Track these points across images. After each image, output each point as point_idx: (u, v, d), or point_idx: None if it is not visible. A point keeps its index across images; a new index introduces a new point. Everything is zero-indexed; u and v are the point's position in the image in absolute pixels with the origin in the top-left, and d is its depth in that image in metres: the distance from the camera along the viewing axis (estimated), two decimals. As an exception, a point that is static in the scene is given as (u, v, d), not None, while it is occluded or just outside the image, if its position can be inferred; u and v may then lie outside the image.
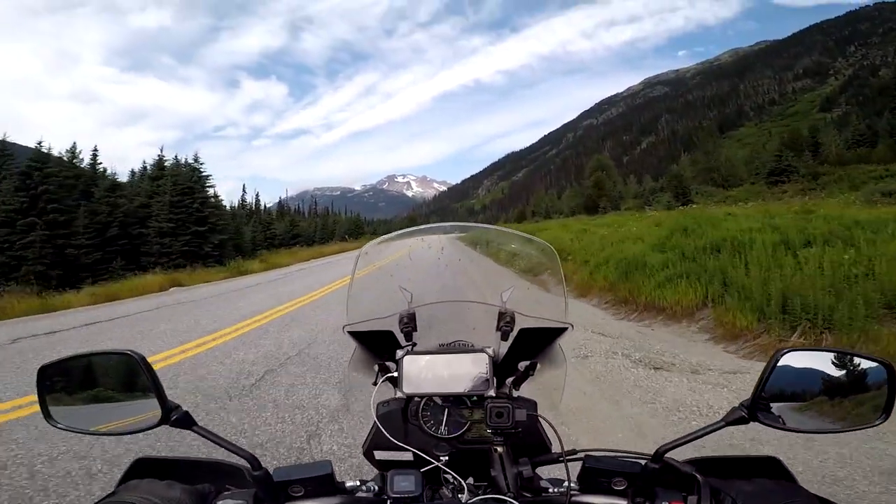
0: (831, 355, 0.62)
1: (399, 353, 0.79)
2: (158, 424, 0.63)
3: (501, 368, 0.82)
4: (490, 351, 0.77)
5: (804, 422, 0.62)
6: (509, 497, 0.63)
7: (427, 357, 0.77)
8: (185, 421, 0.63)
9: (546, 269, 0.97)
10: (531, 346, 0.83)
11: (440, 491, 0.72)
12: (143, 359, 0.62)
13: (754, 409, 0.60)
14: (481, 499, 0.65)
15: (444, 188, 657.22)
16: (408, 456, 0.75)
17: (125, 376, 0.66)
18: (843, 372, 0.62)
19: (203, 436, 0.63)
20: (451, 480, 0.72)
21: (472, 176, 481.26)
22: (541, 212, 78.81)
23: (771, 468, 0.62)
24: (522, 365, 0.83)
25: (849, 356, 0.62)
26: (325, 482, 0.66)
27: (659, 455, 0.62)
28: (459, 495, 0.68)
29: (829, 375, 0.62)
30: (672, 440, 0.62)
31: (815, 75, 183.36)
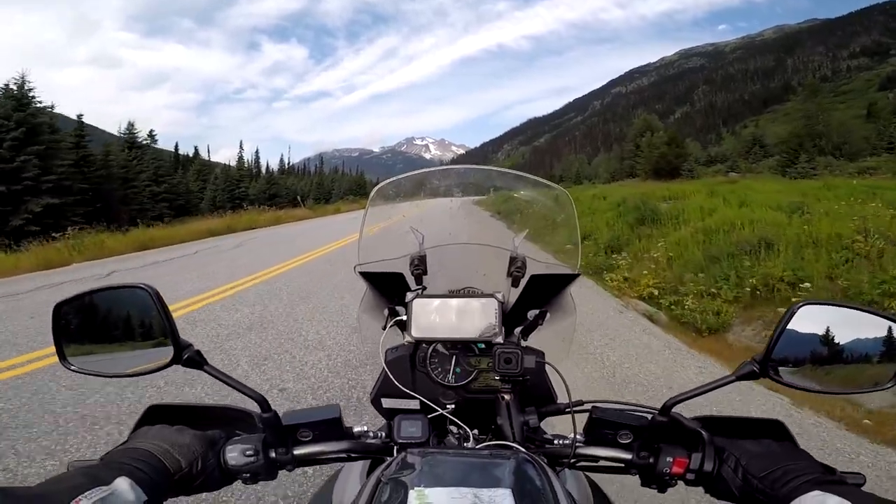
0: (850, 311, 0.59)
1: (409, 295, 0.77)
2: (170, 364, 0.60)
3: (511, 317, 0.80)
4: (500, 296, 0.75)
5: (816, 380, 0.59)
6: (516, 445, 0.64)
7: (436, 301, 0.75)
8: (197, 361, 0.61)
9: (560, 216, 0.95)
10: (541, 294, 0.81)
11: (446, 439, 0.72)
12: (157, 294, 0.59)
13: (766, 365, 0.58)
14: (487, 445, 0.66)
15: (462, 152, 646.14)
16: (415, 404, 0.74)
17: (139, 312, 0.62)
18: (861, 330, 0.59)
19: (214, 375, 0.60)
20: (457, 429, 0.72)
21: (491, 140, 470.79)
22: (570, 177, 73.58)
23: (774, 430, 0.61)
24: (532, 314, 0.80)
25: (868, 313, 0.59)
26: (334, 426, 0.66)
27: (666, 408, 0.61)
28: (465, 444, 0.69)
29: (845, 332, 0.59)
30: (680, 393, 0.61)
31: (874, 55, 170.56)
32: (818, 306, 0.58)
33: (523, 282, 0.79)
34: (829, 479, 0.50)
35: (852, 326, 0.58)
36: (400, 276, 0.81)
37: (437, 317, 0.74)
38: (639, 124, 62.59)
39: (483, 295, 0.76)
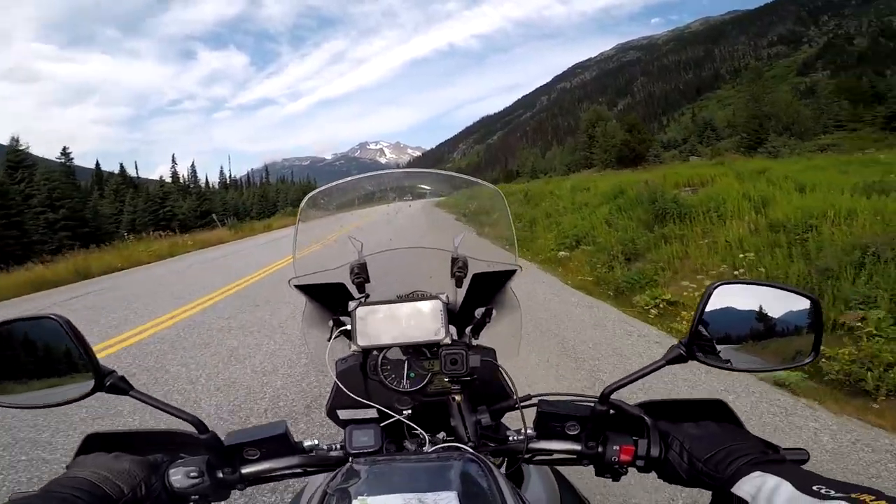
0: (764, 288, 0.61)
1: (351, 304, 0.76)
2: (92, 392, 0.59)
3: (459, 317, 0.81)
4: (444, 297, 0.75)
5: (740, 360, 0.61)
6: (469, 446, 0.64)
7: (380, 307, 0.74)
8: (121, 387, 0.59)
9: (495, 213, 0.96)
10: (485, 292, 0.82)
11: (404, 444, 0.72)
12: (69, 322, 0.57)
13: (691, 348, 0.60)
14: (439, 447, 0.66)
15: (418, 154, 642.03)
16: (372, 413, 0.74)
17: (52, 343, 0.60)
18: (776, 306, 0.60)
19: (142, 400, 0.60)
20: (416, 433, 0.72)
21: (446, 140, 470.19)
22: (526, 171, 72.71)
23: (717, 411, 0.62)
24: (479, 312, 0.81)
25: (780, 289, 0.60)
26: (281, 442, 0.66)
27: (605, 396, 0.62)
28: (423, 448, 0.68)
29: (762, 310, 0.61)
30: (615, 381, 0.62)
31: (790, 42, 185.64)
32: (734, 286, 0.60)
33: (466, 281, 0.80)
34: (769, 458, 0.51)
35: (768, 303, 0.60)
36: (341, 287, 0.80)
37: (382, 323, 0.73)
38: (589, 115, 62.65)
39: (428, 297, 0.75)
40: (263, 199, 51.66)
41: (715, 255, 6.00)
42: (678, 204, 7.89)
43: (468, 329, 0.83)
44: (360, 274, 0.79)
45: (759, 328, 0.61)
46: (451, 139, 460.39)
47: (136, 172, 46.10)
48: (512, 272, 0.82)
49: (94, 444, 0.61)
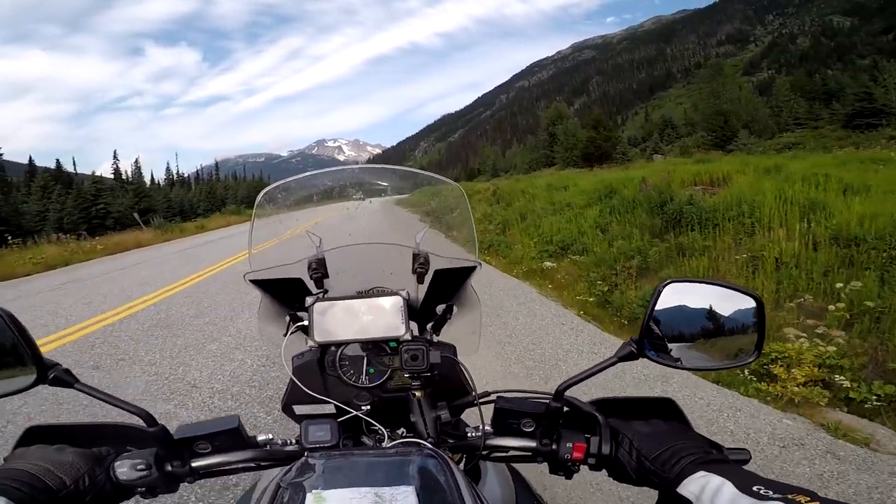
0: (712, 287, 0.62)
1: (308, 300, 0.75)
2: (34, 385, 0.58)
3: (421, 313, 0.82)
4: (405, 294, 0.74)
5: (689, 358, 0.62)
6: (428, 442, 0.64)
7: (339, 303, 0.74)
8: (65, 380, 0.58)
9: (457, 210, 0.96)
10: (446, 289, 0.82)
11: (362, 440, 0.72)
12: (10, 315, 0.56)
13: (642, 345, 0.60)
14: (398, 443, 0.66)
15: (378, 151, 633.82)
16: (330, 409, 0.73)
17: None
18: (723, 305, 0.61)
19: (87, 393, 0.58)
20: (374, 429, 0.71)
21: (407, 138, 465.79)
22: (487, 169, 71.35)
23: (666, 409, 0.63)
24: (440, 309, 0.82)
25: (728, 288, 0.61)
26: (233, 436, 0.65)
27: (559, 393, 0.62)
28: (382, 444, 0.68)
29: (710, 309, 0.61)
30: (568, 378, 0.62)
31: (737, 42, 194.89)
32: (682, 283, 0.61)
33: (428, 278, 0.79)
34: (713, 458, 0.52)
35: (713, 301, 0.61)
36: (299, 282, 0.79)
37: (341, 319, 0.73)
38: (550, 113, 61.95)
39: (388, 293, 0.75)
40: (211, 195, 47.52)
41: (766, 277, 4.41)
42: (696, 207, 6.31)
43: (429, 325, 0.82)
44: (319, 269, 0.78)
45: (708, 326, 0.61)
46: (413, 137, 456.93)
47: (74, 168, 41.54)
48: (472, 269, 0.82)
49: (34, 436, 0.59)
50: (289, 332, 0.77)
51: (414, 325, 0.75)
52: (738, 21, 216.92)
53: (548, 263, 7.63)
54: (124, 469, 0.58)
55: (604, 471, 0.62)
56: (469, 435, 0.70)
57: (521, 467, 0.80)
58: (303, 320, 0.76)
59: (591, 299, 5.58)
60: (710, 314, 0.61)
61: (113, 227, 20.59)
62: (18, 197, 29.67)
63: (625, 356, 0.61)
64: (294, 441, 0.68)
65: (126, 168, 44.66)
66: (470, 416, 0.74)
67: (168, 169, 59.95)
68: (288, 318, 0.79)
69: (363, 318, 0.73)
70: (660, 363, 0.60)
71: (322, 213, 0.97)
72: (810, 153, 17.00)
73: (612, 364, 0.61)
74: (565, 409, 0.63)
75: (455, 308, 0.83)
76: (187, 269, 8.58)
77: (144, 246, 15.06)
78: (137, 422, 0.62)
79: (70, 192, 30.46)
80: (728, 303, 0.61)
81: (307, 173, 0.92)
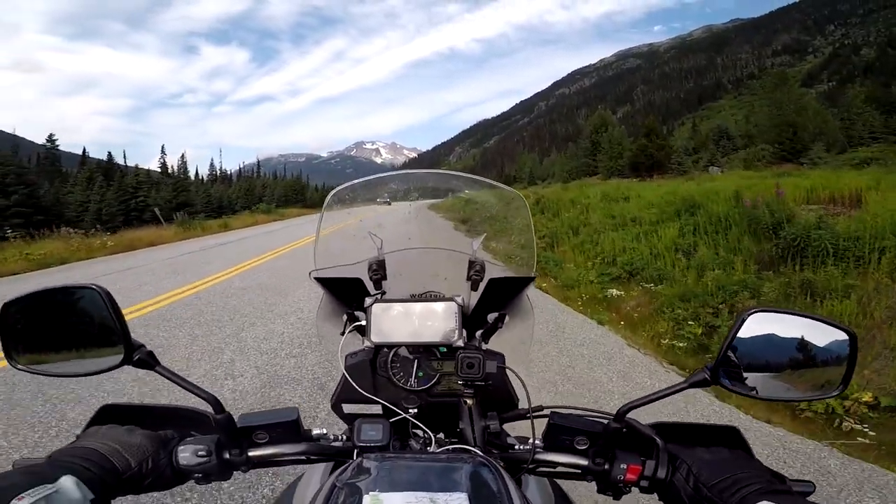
0: (799, 318, 0.60)
1: (367, 300, 0.76)
2: (120, 365, 0.60)
3: (471, 320, 0.81)
4: (459, 300, 0.75)
5: (766, 388, 0.60)
6: (476, 449, 0.64)
7: (396, 305, 0.75)
8: (148, 362, 0.61)
9: (517, 220, 0.96)
10: (500, 297, 0.82)
11: (410, 443, 0.72)
12: (108, 294, 0.58)
13: (717, 373, 0.58)
14: (447, 449, 0.66)
15: (414, 155, 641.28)
16: (377, 409, 0.74)
17: (90, 313, 0.61)
18: (809, 336, 0.59)
19: (165, 376, 0.61)
20: (421, 433, 0.72)
21: (443, 143, 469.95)
22: (523, 177, 69.60)
23: (729, 438, 0.62)
24: (491, 317, 0.81)
25: (816, 320, 0.60)
26: (291, 429, 0.66)
27: (620, 415, 0.62)
28: (428, 448, 0.69)
29: (793, 339, 0.60)
30: (634, 400, 0.61)
31: (794, 52, 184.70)
32: (768, 314, 0.59)
33: (482, 285, 0.79)
34: (776, 488, 0.50)
35: (801, 333, 0.59)
36: (358, 282, 0.80)
37: (397, 321, 0.74)
38: (594, 120, 59.54)
39: (443, 299, 0.76)
40: (249, 193, 48.28)
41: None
42: (828, 231, 4.78)
43: (479, 333, 0.82)
44: (379, 271, 0.79)
45: (790, 357, 0.60)
46: (448, 142, 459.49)
47: (124, 161, 43.23)
48: (530, 280, 0.82)
49: (108, 415, 0.61)
50: (346, 331, 0.78)
51: (464, 332, 0.75)
52: (796, 31, 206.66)
53: (613, 291, 6.27)
54: (186, 454, 0.59)
55: (654, 495, 0.61)
56: (515, 446, 0.69)
57: (564, 483, 0.78)
58: (359, 320, 0.77)
59: (681, 344, 4.26)
60: (793, 345, 0.59)
61: (150, 220, 20.54)
62: (66, 188, 30.68)
63: (696, 382, 0.59)
64: (345, 438, 0.69)
65: (173, 163, 46.17)
66: (514, 427, 0.73)
67: (212, 165, 61.79)
68: (345, 317, 0.80)
69: (418, 321, 0.73)
70: (734, 392, 0.59)
71: (385, 216, 0.97)
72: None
73: (682, 390, 0.59)
74: (623, 430, 0.62)
75: (507, 317, 0.81)
76: (169, 284, 7.58)
77: (157, 245, 14.05)
78: (204, 407, 0.63)
79: (112, 184, 31.20)
80: (814, 335, 0.58)
81: (373, 176, 0.93)
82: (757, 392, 0.59)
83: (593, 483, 0.66)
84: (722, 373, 0.58)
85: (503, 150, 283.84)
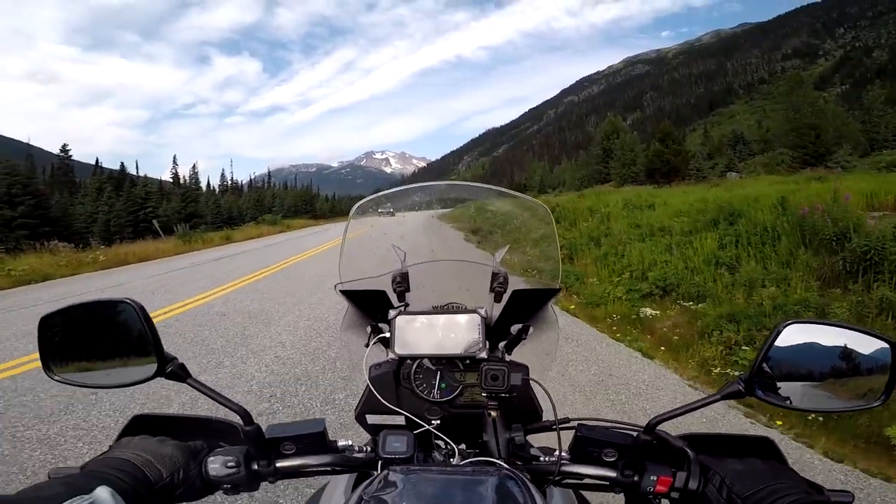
0: (835, 329, 0.59)
1: (391, 313, 0.77)
2: (153, 377, 0.61)
3: (495, 331, 0.81)
4: (483, 312, 0.75)
5: (803, 399, 0.59)
6: (501, 462, 0.64)
7: (419, 317, 0.76)
8: (180, 374, 0.62)
9: (541, 230, 0.97)
10: (524, 309, 0.82)
11: (432, 454, 0.72)
12: (142, 308, 0.60)
13: (752, 384, 0.58)
14: (472, 461, 0.66)
15: (423, 164, 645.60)
16: (400, 420, 0.74)
17: (124, 326, 0.63)
18: (846, 348, 0.58)
19: (196, 388, 0.62)
20: (443, 445, 0.72)
21: (452, 152, 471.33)
22: (533, 185, 68.98)
23: (763, 448, 0.60)
24: (515, 328, 0.81)
25: (853, 331, 0.59)
26: (318, 440, 0.67)
27: (651, 427, 0.61)
28: (451, 459, 0.69)
29: (831, 350, 0.59)
30: (664, 412, 0.61)
31: (805, 56, 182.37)
32: (804, 325, 0.58)
33: (506, 297, 0.79)
34: (815, 499, 0.50)
35: (838, 344, 0.58)
36: (382, 294, 0.81)
37: (420, 333, 0.75)
38: (606, 127, 58.67)
39: (466, 311, 0.76)
40: (259, 203, 48.38)
41: None
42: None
43: (502, 344, 0.81)
44: (402, 283, 0.80)
45: (828, 368, 0.59)
46: (457, 150, 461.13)
47: (137, 171, 43.68)
48: (554, 291, 0.82)
49: (139, 425, 0.62)
50: (371, 343, 0.79)
51: (486, 341, 0.76)
52: (806, 35, 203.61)
53: (647, 310, 5.63)
54: (216, 465, 0.60)
55: None
56: (540, 458, 0.69)
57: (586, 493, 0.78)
58: (382, 331, 0.78)
59: (735, 372, 3.65)
60: (832, 356, 0.58)
61: (159, 231, 20.23)
62: (77, 199, 30.78)
63: (730, 394, 0.58)
64: (369, 449, 0.69)
65: (184, 174, 46.52)
66: (536, 439, 0.73)
67: (223, 175, 62.20)
68: (369, 329, 0.81)
69: (441, 333, 0.74)
70: (769, 403, 0.58)
71: (408, 228, 0.98)
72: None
73: (715, 401, 0.59)
74: (653, 442, 0.62)
75: (531, 328, 0.81)
76: (177, 295, 7.22)
77: (152, 259, 13.39)
78: (233, 418, 0.64)
79: (121, 195, 31.25)
80: (852, 345, 0.58)
81: (395, 189, 0.94)
82: (792, 402, 0.58)
83: (619, 495, 0.66)
84: (756, 384, 0.57)
85: (512, 159, 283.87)
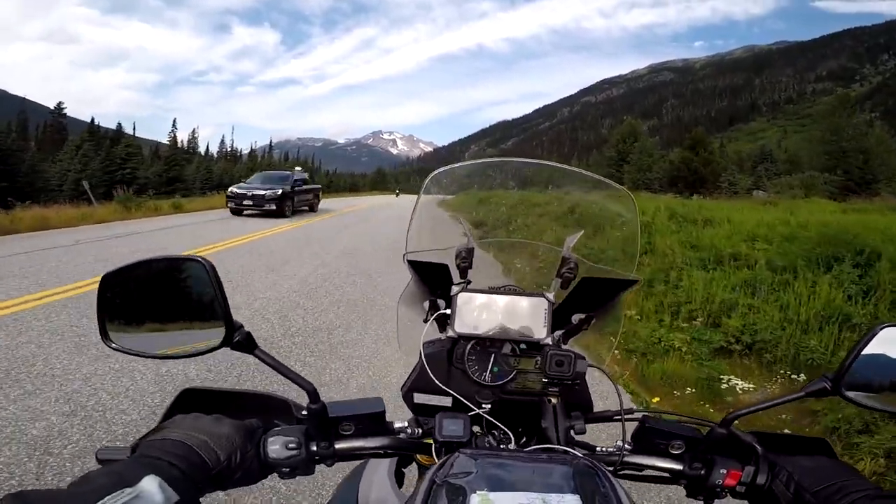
0: None
1: (454, 289, 0.74)
2: (220, 346, 0.56)
3: (554, 318, 0.78)
4: (550, 296, 0.73)
5: (891, 402, 0.58)
6: (572, 450, 0.61)
7: (483, 296, 0.73)
8: (246, 345, 0.57)
9: (620, 219, 0.93)
10: (591, 298, 0.78)
11: (486, 440, 0.69)
12: (213, 268, 0.54)
13: (838, 384, 0.56)
14: (539, 448, 0.62)
15: (429, 149, 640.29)
16: (447, 402, 0.72)
17: (191, 287, 0.57)
18: None
19: (264, 361, 0.57)
20: (496, 430, 0.69)
21: (459, 139, 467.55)
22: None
23: (819, 448, 0.61)
24: (576, 318, 0.76)
25: None
26: (377, 421, 0.65)
27: (728, 421, 0.60)
28: (508, 446, 0.68)
29: None
30: (744, 407, 0.60)
31: (839, 79, 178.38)
32: None
33: (573, 283, 0.76)
34: (885, 494, 0.50)
35: None
36: (445, 268, 0.78)
37: (481, 313, 0.72)
38: (623, 130, 55.76)
39: (533, 293, 0.73)
40: (252, 172, 46.17)
41: None
42: None
43: (559, 333, 0.77)
44: (466, 258, 0.77)
45: None
46: (465, 138, 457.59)
47: (134, 132, 41.23)
48: (629, 283, 0.78)
49: (189, 399, 0.59)
50: (430, 319, 0.76)
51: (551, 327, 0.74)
52: (846, 58, 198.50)
53: (737, 383, 3.59)
54: (276, 446, 0.56)
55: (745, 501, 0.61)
56: (598, 448, 0.67)
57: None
58: (440, 307, 0.76)
59: None
60: None
61: (90, 195, 17.62)
62: (51, 157, 28.85)
63: (815, 391, 0.57)
64: (421, 432, 0.68)
65: (183, 138, 44.45)
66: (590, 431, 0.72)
67: (222, 142, 59.80)
68: (427, 305, 0.78)
69: (504, 314, 0.72)
70: (856, 403, 0.58)
71: (479, 204, 0.93)
72: None
73: (799, 398, 0.57)
74: (724, 436, 0.62)
75: (594, 319, 0.76)
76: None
77: (57, 228, 10.52)
78: (283, 396, 0.62)
79: (99, 153, 29.11)
80: None
81: (471, 162, 0.92)
82: (882, 406, 0.58)
83: (657, 486, 0.63)
84: (844, 383, 0.56)
85: (521, 153, 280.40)
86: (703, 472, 0.61)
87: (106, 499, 0.36)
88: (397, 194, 52.25)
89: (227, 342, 0.54)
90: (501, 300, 0.72)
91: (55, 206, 13.63)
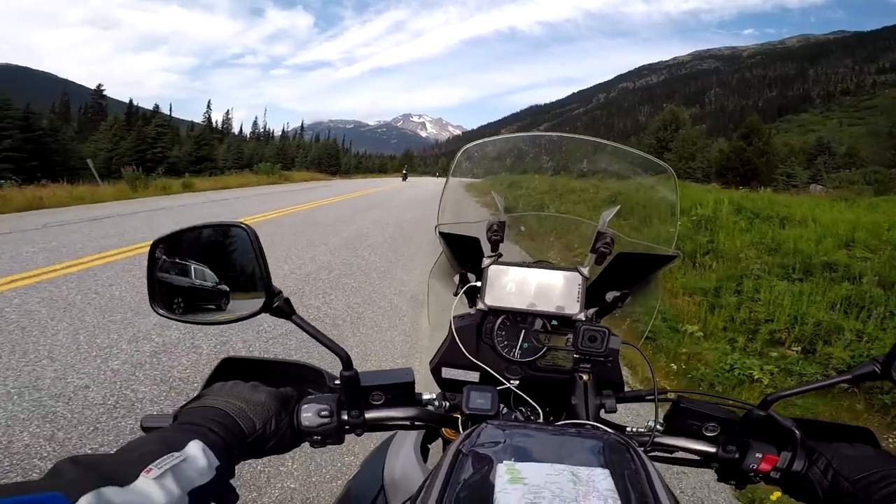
0: None
1: (485, 261, 0.74)
2: (259, 312, 0.57)
3: (588, 296, 0.76)
4: (585, 271, 0.71)
5: None
6: (603, 426, 0.61)
7: (513, 269, 0.72)
8: (285, 311, 0.57)
9: (659, 194, 0.91)
10: (626, 275, 0.76)
11: (514, 415, 0.70)
12: (256, 235, 0.55)
13: (888, 367, 0.53)
14: (570, 423, 0.63)
15: (458, 132, 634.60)
16: (474, 376, 0.71)
17: (235, 253, 0.58)
18: None
19: (301, 327, 0.58)
20: (524, 406, 0.69)
21: (489, 123, 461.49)
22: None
23: (862, 437, 0.59)
24: (611, 295, 0.74)
25: None
26: (407, 391, 0.65)
27: (767, 403, 0.59)
28: (537, 421, 0.67)
29: None
30: (785, 389, 0.59)
31: None
32: None
33: (609, 259, 0.72)
34: None
35: None
36: (476, 241, 0.76)
37: (513, 286, 0.71)
38: (665, 116, 52.62)
39: (566, 268, 0.72)
40: (282, 152, 46.29)
41: None
42: None
43: (591, 310, 0.75)
44: (498, 232, 0.75)
45: None
46: (495, 123, 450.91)
47: (170, 113, 41.81)
48: (668, 259, 0.75)
49: (228, 368, 0.60)
50: (461, 291, 0.76)
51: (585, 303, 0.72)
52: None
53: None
54: (309, 414, 0.57)
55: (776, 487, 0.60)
56: (628, 428, 0.66)
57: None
58: (470, 281, 0.75)
59: None
60: None
61: (166, 173, 17.41)
62: (85, 136, 29.66)
63: (863, 375, 0.54)
64: (448, 405, 0.68)
65: (217, 119, 45.08)
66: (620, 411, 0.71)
67: (255, 123, 60.27)
68: (457, 278, 0.79)
69: (535, 288, 0.70)
70: None
71: (512, 177, 0.95)
72: None
73: (846, 381, 0.55)
74: (762, 420, 0.60)
75: (629, 297, 0.74)
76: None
77: (52, 207, 9.92)
78: (316, 364, 0.63)
79: (130, 132, 29.48)
80: None
81: (505, 136, 0.91)
82: None
83: (689, 469, 0.68)
84: (895, 367, 0.53)
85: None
86: (736, 455, 0.59)
87: (153, 464, 0.38)
88: (405, 177, 44.99)
89: (266, 308, 0.55)
90: (534, 274, 0.70)
91: (53, 186, 12.87)
